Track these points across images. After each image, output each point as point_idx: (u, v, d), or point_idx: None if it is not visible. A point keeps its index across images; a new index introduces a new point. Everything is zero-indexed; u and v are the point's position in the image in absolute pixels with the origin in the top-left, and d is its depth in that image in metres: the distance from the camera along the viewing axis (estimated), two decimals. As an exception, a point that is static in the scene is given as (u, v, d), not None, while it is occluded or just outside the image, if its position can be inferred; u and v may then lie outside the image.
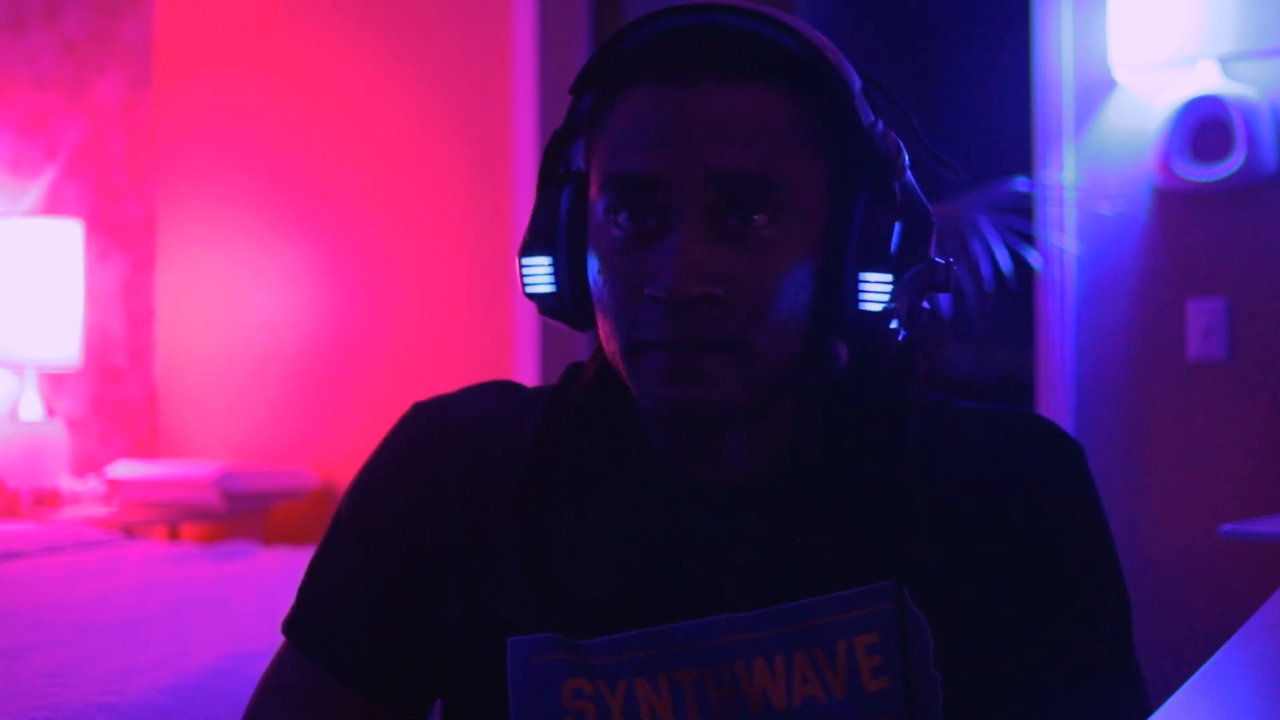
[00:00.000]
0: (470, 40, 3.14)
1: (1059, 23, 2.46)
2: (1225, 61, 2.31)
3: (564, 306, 0.86)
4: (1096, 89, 2.45)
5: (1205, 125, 2.31)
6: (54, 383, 3.26)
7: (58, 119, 3.34)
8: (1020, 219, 2.48)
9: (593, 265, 0.81)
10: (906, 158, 0.82)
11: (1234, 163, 2.27)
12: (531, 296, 0.87)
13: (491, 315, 3.08)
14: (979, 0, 2.94)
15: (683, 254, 0.76)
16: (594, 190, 0.81)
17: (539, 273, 0.86)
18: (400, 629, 0.88)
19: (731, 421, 0.82)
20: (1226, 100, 2.27)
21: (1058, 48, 2.47)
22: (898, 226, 0.80)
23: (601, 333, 0.82)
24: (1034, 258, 2.47)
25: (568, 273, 0.85)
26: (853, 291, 0.79)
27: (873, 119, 0.81)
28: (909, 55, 2.91)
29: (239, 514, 3.12)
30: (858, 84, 0.81)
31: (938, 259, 0.82)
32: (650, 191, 0.78)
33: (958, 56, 2.95)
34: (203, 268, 3.51)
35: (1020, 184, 2.48)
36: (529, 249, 0.86)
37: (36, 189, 3.27)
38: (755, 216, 0.77)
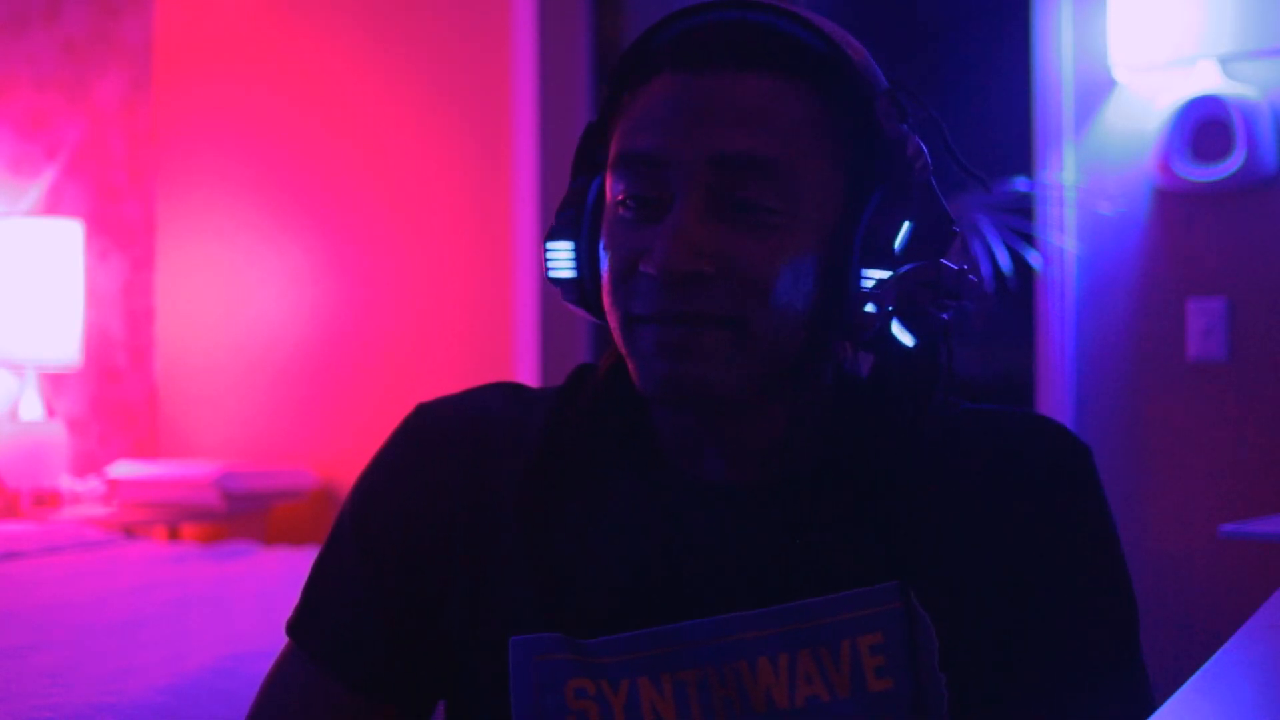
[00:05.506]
0: (470, 39, 3.14)
1: (1059, 23, 2.46)
2: (1225, 61, 2.31)
3: (583, 292, 0.87)
4: (1096, 89, 2.45)
5: (1205, 125, 2.31)
6: (54, 383, 3.26)
7: (58, 119, 3.34)
8: (1020, 219, 2.48)
9: (600, 248, 0.83)
10: (929, 162, 0.82)
11: (1234, 163, 2.27)
12: (554, 281, 0.88)
13: (492, 315, 3.08)
14: (979, 0, 2.94)
15: (677, 231, 0.77)
16: (608, 175, 0.83)
17: (561, 258, 0.87)
18: (404, 630, 0.88)
19: (730, 407, 0.82)
20: (1226, 100, 2.27)
21: (1058, 48, 2.47)
22: (907, 227, 0.80)
23: (606, 311, 0.83)
24: (1034, 258, 2.47)
25: (588, 259, 0.86)
26: (849, 286, 0.80)
27: (895, 121, 0.81)
28: (909, 55, 2.91)
29: (239, 514, 3.12)
30: (882, 86, 0.81)
31: (949, 264, 0.81)
32: (654, 170, 0.79)
33: (958, 56, 2.95)
34: (203, 268, 3.51)
35: (1020, 184, 2.48)
36: (554, 235, 0.88)
37: (36, 189, 3.27)
38: (757, 201, 0.78)
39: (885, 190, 0.80)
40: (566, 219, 0.87)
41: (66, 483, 3.09)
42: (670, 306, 0.78)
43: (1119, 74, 2.41)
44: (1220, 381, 2.35)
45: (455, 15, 3.16)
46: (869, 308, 0.79)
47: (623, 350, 0.82)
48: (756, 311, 0.78)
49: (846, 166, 0.81)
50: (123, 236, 3.48)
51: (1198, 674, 0.66)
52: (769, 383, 0.81)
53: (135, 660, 1.64)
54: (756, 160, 0.77)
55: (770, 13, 0.81)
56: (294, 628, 0.91)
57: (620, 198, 0.81)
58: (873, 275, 0.79)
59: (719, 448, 0.85)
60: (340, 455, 3.23)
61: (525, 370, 3.02)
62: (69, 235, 3.09)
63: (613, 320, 0.82)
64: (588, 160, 0.88)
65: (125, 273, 3.49)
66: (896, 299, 0.80)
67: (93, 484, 3.12)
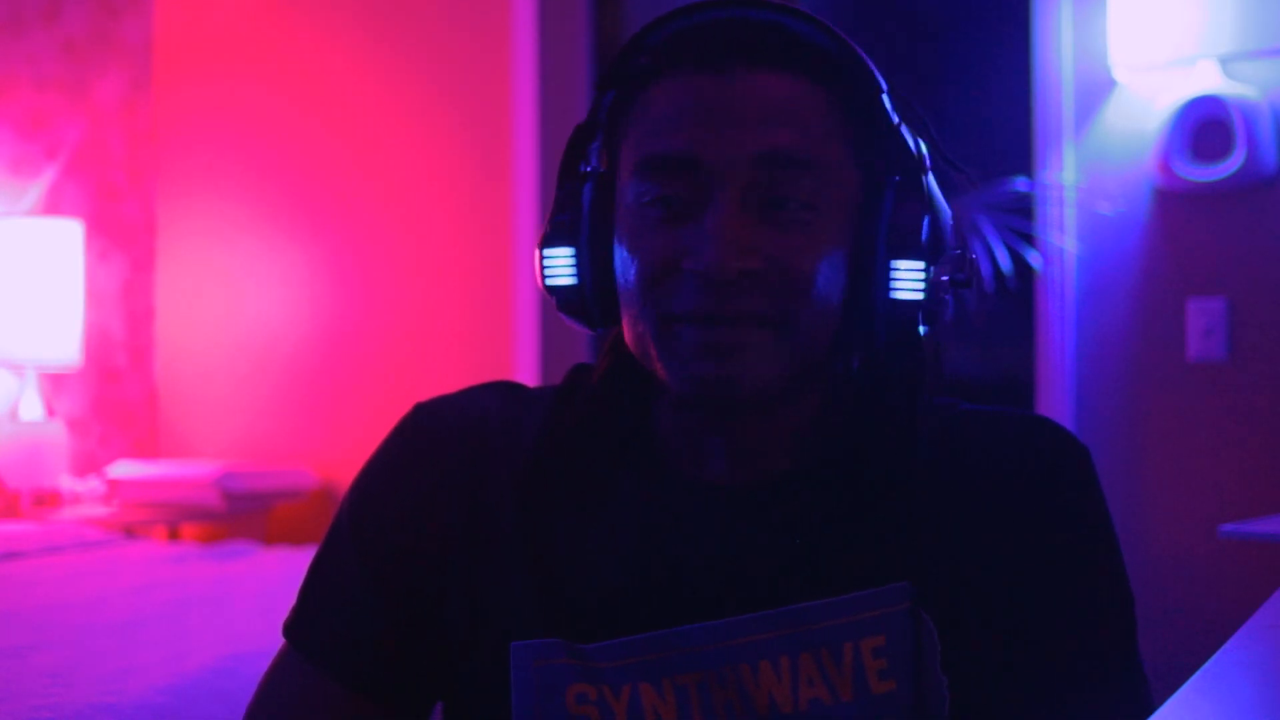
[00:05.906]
0: (470, 39, 3.14)
1: (1059, 23, 2.46)
2: (1225, 61, 2.31)
3: (583, 300, 0.86)
4: (1096, 89, 2.45)
5: (1205, 125, 2.30)
6: (54, 383, 3.26)
7: (58, 119, 3.34)
8: (1020, 219, 2.48)
9: (620, 251, 0.82)
10: (929, 159, 0.83)
11: (1234, 163, 2.27)
12: (551, 289, 0.87)
13: (492, 315, 3.08)
14: (979, 0, 2.93)
15: (724, 229, 0.77)
16: (624, 178, 0.82)
17: (560, 265, 0.86)
18: (400, 632, 0.88)
19: (758, 408, 0.82)
20: (1226, 100, 2.27)
21: (1058, 48, 2.47)
22: (926, 219, 0.81)
23: (626, 320, 0.82)
24: (1034, 258, 2.47)
25: (589, 266, 0.85)
26: (885, 279, 0.80)
27: (900, 118, 0.82)
28: (908, 55, 2.91)
29: (239, 514, 3.12)
30: (884, 84, 0.82)
31: (968, 255, 0.83)
32: (688, 172, 0.78)
33: (958, 56, 2.95)
34: (203, 268, 3.51)
35: (1020, 184, 2.48)
36: (550, 241, 0.86)
37: (36, 189, 3.27)
38: (793, 198, 0.78)
39: (898, 185, 0.81)
40: (562, 224, 0.85)
41: (66, 483, 3.09)
42: (716, 306, 0.77)
43: (1119, 74, 2.41)
44: (1220, 381, 2.35)
45: (455, 15, 3.16)
46: (944, 296, 0.81)
47: (650, 353, 0.81)
48: (800, 308, 0.79)
49: (859, 160, 0.82)
50: (123, 236, 3.48)
51: (1198, 674, 0.66)
52: (797, 380, 0.81)
53: (135, 660, 1.64)
54: (796, 157, 0.78)
55: (773, 11, 0.81)
56: (290, 629, 0.91)
57: (648, 199, 0.80)
58: (903, 266, 0.80)
59: (727, 448, 0.85)
60: (340, 455, 3.23)
61: (525, 370, 3.02)
62: (69, 235, 3.08)
63: (641, 323, 0.81)
64: (578, 165, 0.86)
65: (125, 273, 3.49)
66: (938, 293, 0.81)
67: (93, 484, 3.12)
